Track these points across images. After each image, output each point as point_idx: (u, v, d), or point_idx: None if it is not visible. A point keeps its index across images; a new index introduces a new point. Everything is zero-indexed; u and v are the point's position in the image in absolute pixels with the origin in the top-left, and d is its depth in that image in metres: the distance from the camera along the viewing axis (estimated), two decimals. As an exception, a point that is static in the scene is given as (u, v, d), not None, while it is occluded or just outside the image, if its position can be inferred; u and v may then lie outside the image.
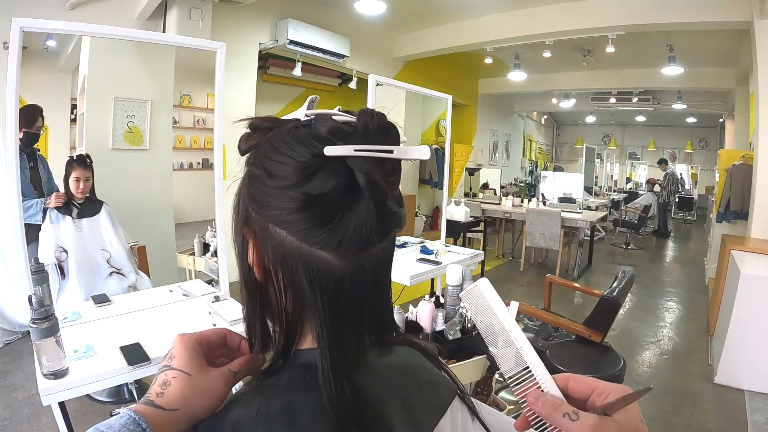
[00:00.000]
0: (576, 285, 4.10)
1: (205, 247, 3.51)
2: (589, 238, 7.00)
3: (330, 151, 0.40)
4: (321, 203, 0.40)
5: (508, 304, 2.45)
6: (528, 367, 0.44)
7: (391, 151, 0.42)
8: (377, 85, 3.05)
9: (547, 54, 6.61)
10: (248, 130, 0.47)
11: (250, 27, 4.93)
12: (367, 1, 4.86)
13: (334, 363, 0.42)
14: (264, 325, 0.49)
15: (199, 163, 6.36)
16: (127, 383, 2.59)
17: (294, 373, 0.46)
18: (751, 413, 2.93)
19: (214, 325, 2.05)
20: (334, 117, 0.43)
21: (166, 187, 3.82)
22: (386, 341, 0.51)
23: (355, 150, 0.40)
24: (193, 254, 3.41)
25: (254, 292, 0.48)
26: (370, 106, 3.23)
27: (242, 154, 0.47)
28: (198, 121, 6.38)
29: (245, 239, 0.46)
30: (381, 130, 0.43)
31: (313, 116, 0.44)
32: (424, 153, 0.43)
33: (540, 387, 0.44)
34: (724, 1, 4.41)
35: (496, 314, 0.45)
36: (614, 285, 2.81)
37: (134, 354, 1.54)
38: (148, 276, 2.70)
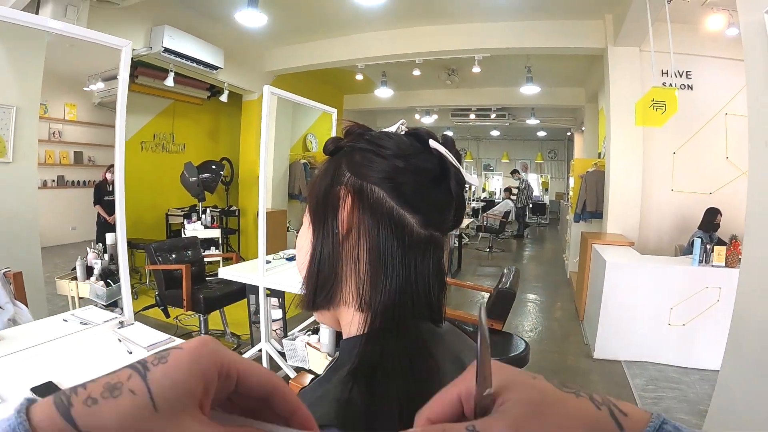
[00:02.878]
0: (468, 283, 4.42)
1: (89, 271, 3.14)
2: (457, 245, 7.50)
3: (433, 144, 0.50)
4: (421, 174, 0.49)
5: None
6: None
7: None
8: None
9: (416, 72, 6.95)
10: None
11: (125, 32, 4.54)
12: (248, 12, 4.74)
13: (408, 322, 0.47)
14: (329, 281, 0.51)
15: (54, 181, 5.63)
16: None
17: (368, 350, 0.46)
18: (632, 378, 3.40)
19: (130, 353, 1.85)
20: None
21: (32, 205, 3.38)
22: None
23: (446, 151, 0.51)
24: (74, 279, 3.03)
25: (334, 246, 0.50)
26: (264, 113, 3.19)
27: (330, 153, 0.54)
28: (54, 133, 5.65)
29: (333, 197, 0.50)
30: (454, 145, 0.53)
31: (403, 130, 0.54)
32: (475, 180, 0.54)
33: None
34: (583, 29, 5.12)
35: None
36: (504, 279, 3.06)
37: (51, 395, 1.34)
38: (27, 306, 2.33)
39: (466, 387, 0.31)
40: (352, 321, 0.50)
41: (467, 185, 0.53)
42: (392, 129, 0.54)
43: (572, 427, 0.29)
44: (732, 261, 3.44)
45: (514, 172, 12.97)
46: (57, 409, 0.25)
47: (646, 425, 0.29)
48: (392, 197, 0.48)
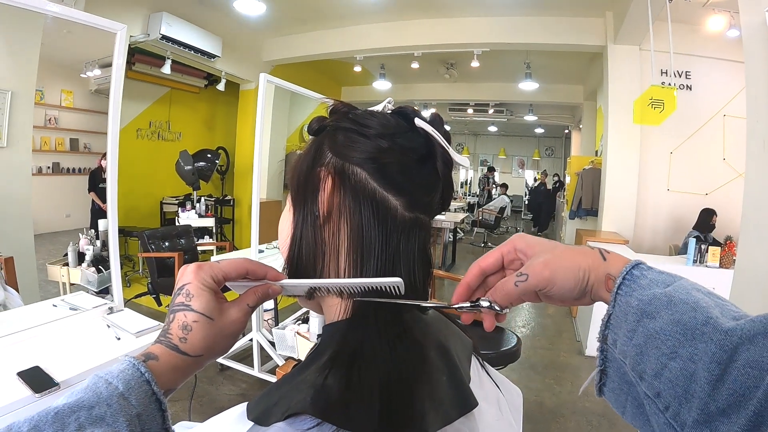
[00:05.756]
0: (462, 277, 4.43)
1: (81, 257, 3.12)
2: (452, 239, 7.50)
3: (419, 122, 0.48)
4: (406, 155, 0.47)
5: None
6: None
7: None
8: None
9: (415, 65, 6.89)
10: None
11: (123, 18, 4.48)
12: (247, 0, 4.73)
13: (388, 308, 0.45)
14: (310, 265, 0.50)
15: (49, 167, 5.59)
16: None
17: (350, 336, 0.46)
18: (622, 378, 3.40)
19: (118, 339, 1.85)
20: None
21: (26, 192, 3.35)
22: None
23: (433, 130, 0.48)
24: (66, 265, 3.01)
25: (314, 229, 0.49)
26: (260, 103, 3.17)
27: (315, 133, 0.52)
28: (50, 119, 5.61)
29: (313, 178, 0.48)
30: (442, 124, 0.51)
31: (390, 109, 0.52)
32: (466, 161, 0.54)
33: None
34: (583, 26, 5.09)
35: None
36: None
37: (37, 379, 1.33)
38: (18, 292, 2.31)
39: (507, 249, 0.47)
40: (333, 306, 0.49)
41: (460, 167, 0.52)
42: (378, 108, 0.52)
43: (574, 254, 0.43)
44: (726, 262, 3.44)
45: (490, 169, 13.48)
46: (171, 350, 0.43)
47: (626, 263, 0.41)
48: (375, 179, 0.46)
